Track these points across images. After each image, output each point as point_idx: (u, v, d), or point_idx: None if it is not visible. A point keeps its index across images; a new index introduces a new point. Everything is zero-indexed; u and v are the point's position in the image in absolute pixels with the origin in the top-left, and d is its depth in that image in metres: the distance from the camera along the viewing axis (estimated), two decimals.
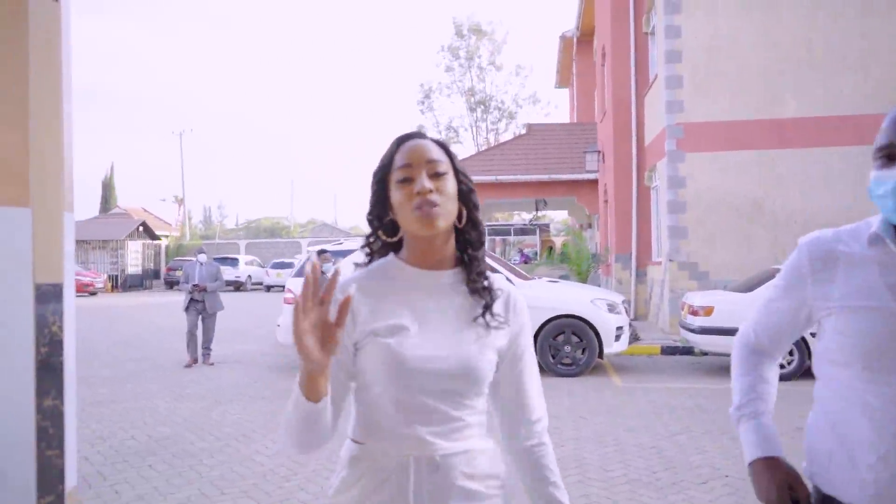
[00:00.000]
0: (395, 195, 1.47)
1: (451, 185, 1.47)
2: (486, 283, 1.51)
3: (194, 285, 10.47)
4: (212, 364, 10.49)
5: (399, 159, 1.48)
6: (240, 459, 5.57)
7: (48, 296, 1.53)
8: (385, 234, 1.54)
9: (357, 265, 1.59)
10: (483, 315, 1.48)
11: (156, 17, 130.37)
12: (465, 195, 1.52)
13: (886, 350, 1.34)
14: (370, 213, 1.56)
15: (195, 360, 10.47)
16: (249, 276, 34.76)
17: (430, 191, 1.43)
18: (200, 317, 10.54)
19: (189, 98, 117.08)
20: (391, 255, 1.55)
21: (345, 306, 1.22)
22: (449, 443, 1.43)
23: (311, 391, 1.30)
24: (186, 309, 10.53)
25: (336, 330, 1.24)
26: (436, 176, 1.46)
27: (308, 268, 1.23)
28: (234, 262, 34.45)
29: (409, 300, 1.48)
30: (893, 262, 1.38)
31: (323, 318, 1.24)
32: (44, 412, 1.51)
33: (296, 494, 4.74)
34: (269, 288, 33.07)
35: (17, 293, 1.46)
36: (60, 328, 1.56)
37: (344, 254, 10.07)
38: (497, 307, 1.53)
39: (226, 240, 48.53)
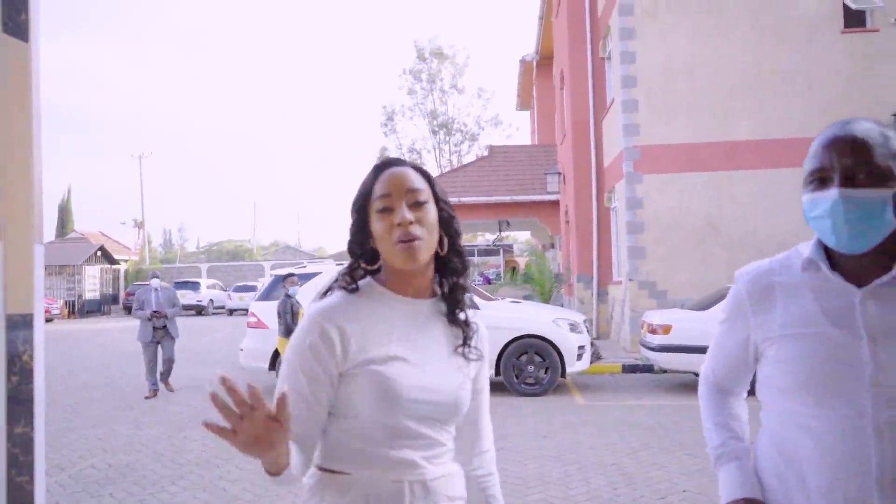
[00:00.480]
0: (376, 226, 1.45)
1: (431, 214, 1.46)
2: (464, 315, 1.52)
3: (154, 312, 9.94)
4: (172, 390, 10.16)
5: (378, 188, 1.46)
6: (203, 485, 5.53)
7: (18, 325, 1.58)
8: (366, 262, 1.52)
9: (325, 293, 1.54)
10: (463, 347, 1.50)
11: (116, 38, 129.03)
12: (447, 222, 1.51)
13: (828, 374, 1.35)
14: (352, 242, 1.52)
15: (156, 392, 9.87)
16: (211, 301, 34.34)
17: (411, 222, 1.41)
18: (159, 345, 10.09)
19: (149, 120, 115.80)
20: (369, 279, 1.52)
21: (282, 402, 1.13)
22: (434, 467, 1.45)
23: (272, 468, 1.27)
24: (143, 338, 10.02)
25: (282, 425, 1.14)
26: (416, 205, 1.44)
27: (219, 384, 1.10)
28: (195, 285, 34.01)
29: (395, 328, 1.45)
30: (826, 287, 1.40)
31: (260, 423, 1.12)
32: (14, 439, 1.56)
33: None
34: (231, 311, 32.68)
35: None
36: (31, 357, 1.61)
37: (309, 277, 10.07)
38: (474, 340, 1.56)
39: (187, 263, 47.92)
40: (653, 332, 9.65)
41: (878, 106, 11.95)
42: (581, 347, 9.58)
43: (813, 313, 1.39)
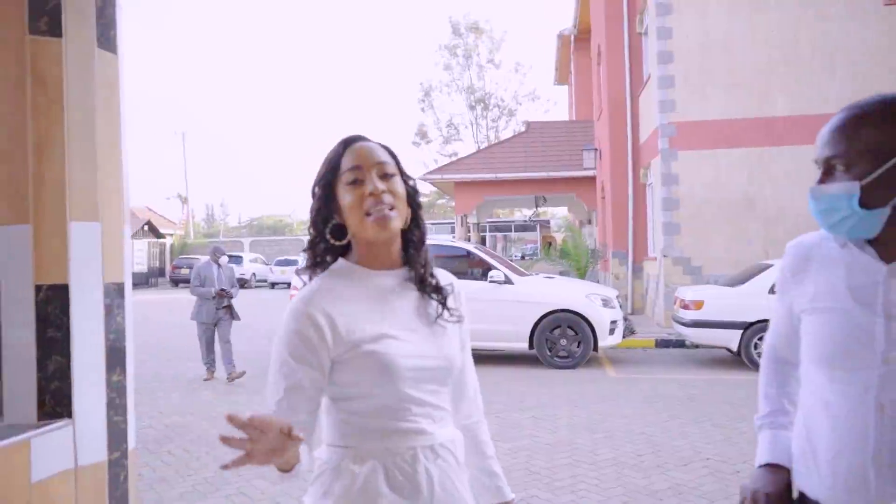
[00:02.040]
0: (346, 198, 1.46)
1: (400, 186, 1.49)
2: (435, 281, 1.56)
3: (221, 290, 9.08)
4: (243, 373, 9.02)
5: (347, 161, 1.47)
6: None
7: (113, 293, 1.90)
8: (333, 237, 1.51)
9: (300, 273, 1.62)
10: (440, 314, 1.53)
11: (157, 16, 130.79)
12: (412, 196, 1.54)
13: (844, 349, 1.37)
14: (315, 217, 1.52)
15: (213, 373, 9.18)
16: (254, 274, 35.17)
17: (384, 191, 1.44)
18: (216, 326, 9.15)
19: (191, 97, 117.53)
20: (341, 260, 1.53)
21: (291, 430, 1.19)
22: (442, 431, 1.50)
23: (284, 466, 1.32)
24: (200, 317, 9.10)
25: (294, 436, 1.19)
26: (385, 177, 1.47)
27: (228, 422, 1.14)
28: (238, 259, 34.83)
29: (376, 303, 1.48)
30: (857, 263, 1.40)
31: (273, 440, 1.17)
32: (112, 385, 1.89)
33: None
34: (273, 285, 33.47)
35: (91, 290, 1.83)
36: (123, 318, 1.93)
37: None
38: (450, 301, 1.59)
39: (230, 238, 48.96)
40: (685, 307, 9.80)
41: None
42: (613, 322, 9.79)
43: (839, 288, 1.40)
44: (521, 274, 10.45)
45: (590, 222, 23.51)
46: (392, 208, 1.45)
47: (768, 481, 1.50)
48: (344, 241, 1.50)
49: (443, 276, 1.61)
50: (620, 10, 16.25)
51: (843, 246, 1.43)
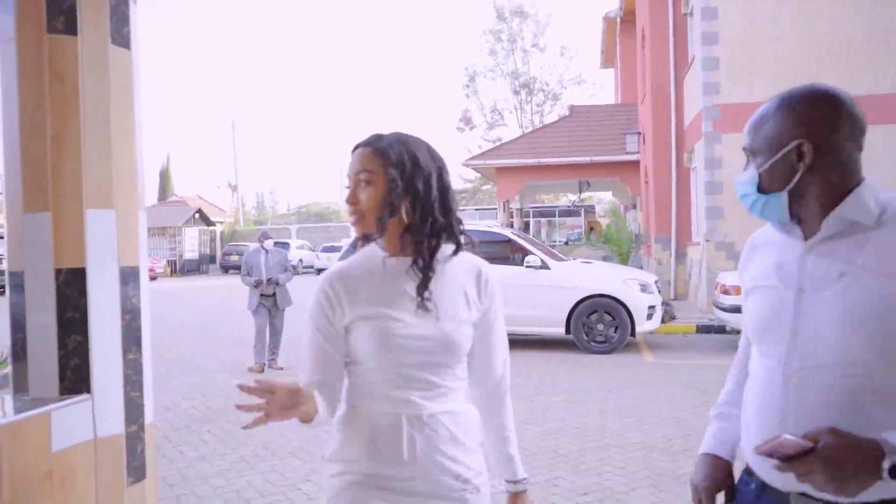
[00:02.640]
0: None
1: (374, 191, 1.64)
2: (421, 264, 1.66)
3: (266, 280, 8.78)
4: (280, 369, 8.90)
5: (347, 167, 1.70)
6: (288, 426, 6.11)
7: (128, 275, 2.02)
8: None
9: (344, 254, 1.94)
10: (418, 293, 1.63)
11: (205, 9, 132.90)
12: (394, 191, 1.64)
13: (766, 323, 1.45)
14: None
15: (262, 367, 8.77)
16: (301, 260, 35.74)
17: (353, 202, 1.67)
18: (270, 313, 8.93)
19: (241, 88, 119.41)
20: (373, 244, 1.73)
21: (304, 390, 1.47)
22: (434, 404, 1.63)
23: (304, 418, 1.53)
24: (255, 308, 8.83)
25: (301, 393, 1.46)
26: (367, 184, 1.65)
27: (245, 388, 1.41)
28: (286, 246, 35.41)
29: (382, 283, 1.66)
30: (787, 245, 1.48)
31: (283, 398, 1.42)
32: (128, 363, 2.01)
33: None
34: (319, 271, 33.96)
35: (107, 274, 1.95)
36: (138, 300, 2.05)
37: None
38: (469, 286, 1.71)
39: (278, 225, 49.79)
40: (726, 292, 9.68)
41: None
42: (651, 307, 9.73)
43: (770, 268, 1.49)
44: (558, 259, 10.44)
45: (634, 207, 23.25)
46: (358, 213, 1.66)
47: (704, 475, 1.61)
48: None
49: (470, 263, 1.75)
50: None
51: (781, 230, 1.50)
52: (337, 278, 1.69)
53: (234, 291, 22.34)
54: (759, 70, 12.68)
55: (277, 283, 8.82)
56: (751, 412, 1.48)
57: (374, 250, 1.72)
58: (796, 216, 1.46)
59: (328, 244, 35.56)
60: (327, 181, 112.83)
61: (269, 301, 8.89)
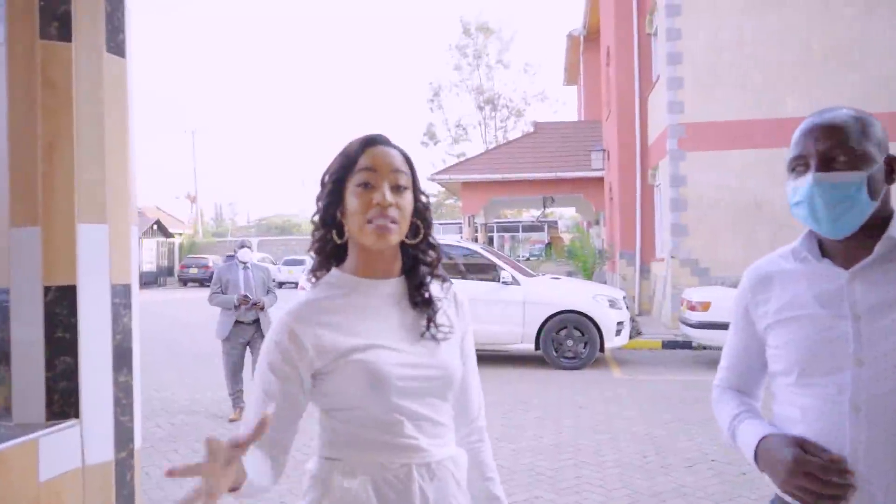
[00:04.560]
0: (352, 200, 1.41)
1: (409, 200, 1.44)
2: (426, 295, 1.49)
3: (243, 297, 6.72)
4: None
5: (363, 161, 1.42)
6: (260, 444, 5.96)
7: (120, 294, 1.92)
8: (337, 234, 1.46)
9: (309, 276, 1.53)
10: (427, 328, 1.46)
11: (166, 16, 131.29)
12: (422, 213, 1.49)
13: (815, 353, 1.40)
14: (325, 212, 1.46)
15: (242, 411, 6.77)
16: None
17: (391, 205, 1.38)
18: (248, 346, 6.95)
19: (200, 97, 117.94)
20: (334, 270, 1.49)
21: (263, 423, 1.09)
22: (439, 449, 1.43)
23: (232, 485, 1.17)
24: (224, 333, 6.84)
25: (244, 451, 1.10)
26: (397, 189, 1.41)
27: (208, 448, 1.07)
28: None
29: (368, 313, 1.43)
30: (818, 273, 1.45)
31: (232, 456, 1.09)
32: (119, 386, 1.91)
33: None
34: (280, 284, 33.52)
35: (98, 292, 1.86)
36: (130, 319, 1.96)
37: None
38: (442, 316, 1.51)
39: (239, 237, 49.13)
40: (692, 308, 9.79)
41: None
42: (620, 323, 9.79)
43: (804, 297, 1.44)
44: (527, 275, 10.45)
45: (597, 223, 23.49)
46: (394, 222, 1.39)
47: (789, 444, 1.39)
48: (342, 241, 1.46)
49: (441, 287, 1.55)
50: (630, 10, 16.23)
51: (802, 260, 1.47)
52: (307, 313, 1.40)
53: (192, 305, 21.95)
54: (723, 89, 12.94)
55: (262, 308, 6.85)
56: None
57: (338, 276, 1.47)
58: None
59: (290, 257, 35.18)
60: (288, 194, 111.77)
61: (248, 330, 6.86)
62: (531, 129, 24.81)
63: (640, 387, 8.35)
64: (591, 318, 9.60)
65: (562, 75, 32.23)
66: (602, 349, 9.70)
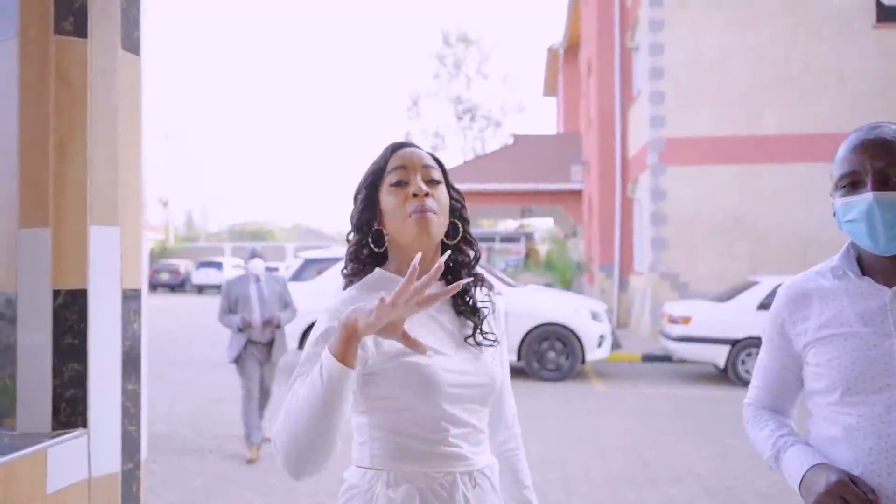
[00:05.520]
0: (388, 200, 1.42)
1: (444, 195, 1.44)
2: (471, 302, 1.49)
3: (243, 320, 5.84)
4: (268, 439, 5.92)
5: (393, 162, 1.44)
6: (240, 456, 5.86)
7: (131, 299, 1.86)
8: (372, 242, 1.46)
9: (347, 277, 1.51)
10: (473, 336, 1.46)
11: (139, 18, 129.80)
12: (458, 210, 1.50)
13: (859, 371, 1.38)
14: (359, 220, 1.47)
15: (258, 449, 5.84)
16: None
17: (426, 193, 1.39)
18: (263, 365, 6.08)
19: (172, 101, 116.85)
20: (378, 270, 1.47)
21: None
22: (480, 457, 1.43)
23: (348, 355, 1.17)
24: (237, 359, 5.95)
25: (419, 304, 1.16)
26: (430, 182, 1.42)
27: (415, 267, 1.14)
28: (218, 265, 34.59)
29: (415, 315, 1.34)
30: (859, 291, 1.44)
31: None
32: (127, 394, 1.84)
33: (298, 486, 5.04)
34: None
35: (109, 296, 1.79)
36: (140, 325, 1.89)
37: (336, 260, 10.36)
38: (487, 324, 1.51)
39: (211, 243, 48.65)
40: (672, 322, 9.83)
41: None
42: (601, 336, 9.80)
43: (846, 315, 1.43)
44: (510, 286, 10.44)
45: (574, 235, 23.60)
46: (433, 212, 1.39)
47: (834, 471, 1.37)
48: (382, 249, 1.45)
49: (485, 293, 1.55)
50: (612, 24, 16.39)
51: (840, 277, 1.47)
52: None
53: (163, 311, 21.64)
54: (703, 104, 13.10)
55: (278, 326, 6.01)
56: (845, 464, 1.39)
57: (381, 275, 1.46)
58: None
59: (265, 264, 34.84)
60: (262, 200, 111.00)
61: (261, 351, 6.02)
62: (510, 141, 24.88)
63: (623, 400, 8.36)
64: (572, 331, 9.60)
65: (541, 86, 32.46)
66: (583, 361, 9.70)
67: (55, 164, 1.71)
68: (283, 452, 1.21)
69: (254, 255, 6.14)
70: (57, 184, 1.71)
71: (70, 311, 1.72)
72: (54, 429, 1.70)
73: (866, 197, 1.37)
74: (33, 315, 1.70)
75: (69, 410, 1.71)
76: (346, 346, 1.16)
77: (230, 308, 6.00)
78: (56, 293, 1.71)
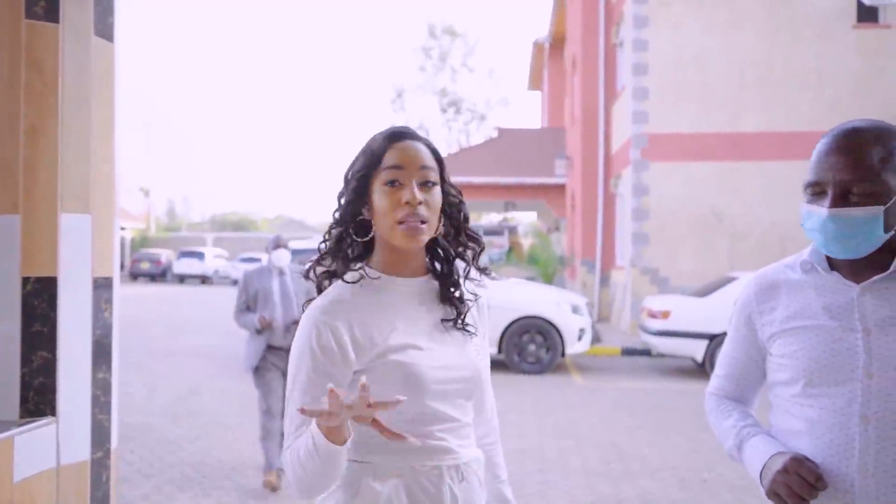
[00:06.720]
0: (380, 199, 1.38)
1: (438, 196, 1.41)
2: (458, 293, 1.49)
3: (263, 319, 4.87)
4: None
5: (390, 158, 1.38)
6: (218, 446, 5.84)
7: (102, 287, 1.84)
8: (357, 233, 1.43)
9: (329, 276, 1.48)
10: (455, 324, 1.46)
11: (122, 7, 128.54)
12: (455, 206, 1.47)
13: (823, 364, 1.40)
14: (345, 209, 1.43)
15: (280, 474, 4.79)
16: (216, 271, 34.72)
17: (420, 202, 1.35)
18: (284, 374, 4.78)
19: (155, 89, 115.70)
20: (361, 265, 1.45)
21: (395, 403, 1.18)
22: (467, 450, 1.44)
23: (336, 437, 1.24)
24: (256, 368, 4.94)
25: (373, 411, 1.19)
26: (425, 185, 1.38)
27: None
28: (200, 255, 34.41)
29: (400, 312, 1.41)
30: (827, 285, 1.46)
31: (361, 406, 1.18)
32: (97, 383, 1.83)
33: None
34: (235, 282, 33.08)
35: (79, 284, 1.78)
36: (111, 314, 1.88)
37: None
38: (469, 316, 1.50)
39: (192, 233, 48.32)
40: (652, 316, 9.91)
41: (889, 103, 12.08)
42: (581, 329, 9.85)
43: (813, 308, 1.45)
44: (491, 278, 10.44)
45: (557, 229, 23.68)
46: (424, 222, 1.36)
47: (789, 454, 1.41)
48: (367, 238, 1.43)
49: (472, 287, 1.55)
50: (597, 20, 16.42)
51: (809, 271, 1.48)
52: (343, 309, 1.37)
53: (144, 300, 21.50)
54: (686, 101, 13.18)
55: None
56: (808, 455, 1.40)
57: (370, 272, 1.44)
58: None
59: (247, 255, 34.69)
60: (244, 191, 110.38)
61: (283, 359, 4.77)
62: (494, 134, 24.90)
63: (601, 393, 8.42)
64: (553, 324, 9.65)
65: (525, 80, 32.47)
66: (563, 354, 9.76)
67: (25, 151, 1.70)
68: (293, 484, 1.34)
69: (278, 244, 5.22)
70: (27, 170, 1.70)
71: (39, 298, 1.70)
72: (22, 417, 1.69)
73: (822, 211, 1.39)
74: (2, 302, 1.69)
75: (37, 399, 1.70)
76: (329, 434, 1.24)
77: (248, 305, 5.06)
78: (25, 280, 1.69)
